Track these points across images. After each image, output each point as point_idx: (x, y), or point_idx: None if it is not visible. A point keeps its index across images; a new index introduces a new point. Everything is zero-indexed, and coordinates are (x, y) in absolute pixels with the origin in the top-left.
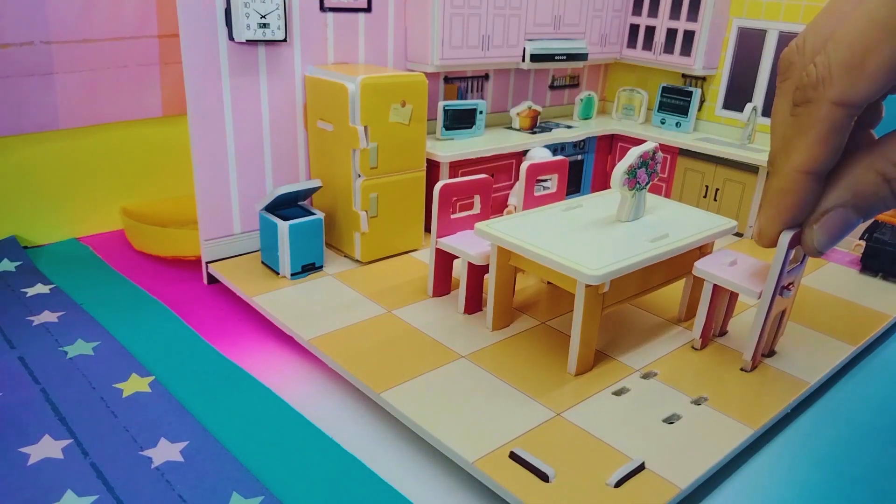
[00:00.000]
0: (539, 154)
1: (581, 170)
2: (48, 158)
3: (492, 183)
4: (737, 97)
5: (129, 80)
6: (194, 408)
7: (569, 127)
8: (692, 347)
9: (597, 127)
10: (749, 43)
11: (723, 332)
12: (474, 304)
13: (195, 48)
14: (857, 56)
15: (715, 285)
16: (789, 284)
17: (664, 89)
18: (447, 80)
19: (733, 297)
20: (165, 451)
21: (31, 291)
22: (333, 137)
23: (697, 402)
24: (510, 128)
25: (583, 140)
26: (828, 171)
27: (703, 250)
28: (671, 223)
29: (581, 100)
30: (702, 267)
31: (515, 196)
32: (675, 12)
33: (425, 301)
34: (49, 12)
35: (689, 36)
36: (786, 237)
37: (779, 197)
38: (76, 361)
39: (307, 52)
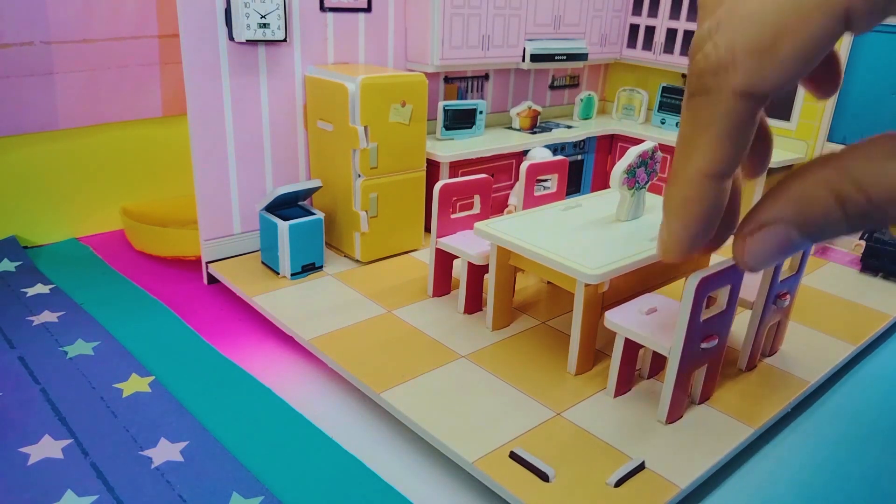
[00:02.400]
0: (539, 154)
1: (581, 170)
2: (48, 158)
3: (492, 183)
4: None
5: (129, 80)
6: (194, 408)
7: (569, 127)
8: None
9: (597, 127)
10: None
11: None
12: (474, 304)
13: (195, 48)
14: (767, 37)
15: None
16: (784, 294)
17: (664, 89)
18: (447, 80)
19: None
20: (165, 451)
21: (31, 291)
22: (333, 137)
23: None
24: (510, 128)
25: (583, 140)
26: (734, 172)
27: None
28: None
29: (581, 100)
30: (613, 319)
31: (515, 196)
32: (675, 12)
33: (425, 301)
34: (49, 12)
35: (688, 36)
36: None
37: (682, 206)
38: (76, 361)
39: (307, 52)
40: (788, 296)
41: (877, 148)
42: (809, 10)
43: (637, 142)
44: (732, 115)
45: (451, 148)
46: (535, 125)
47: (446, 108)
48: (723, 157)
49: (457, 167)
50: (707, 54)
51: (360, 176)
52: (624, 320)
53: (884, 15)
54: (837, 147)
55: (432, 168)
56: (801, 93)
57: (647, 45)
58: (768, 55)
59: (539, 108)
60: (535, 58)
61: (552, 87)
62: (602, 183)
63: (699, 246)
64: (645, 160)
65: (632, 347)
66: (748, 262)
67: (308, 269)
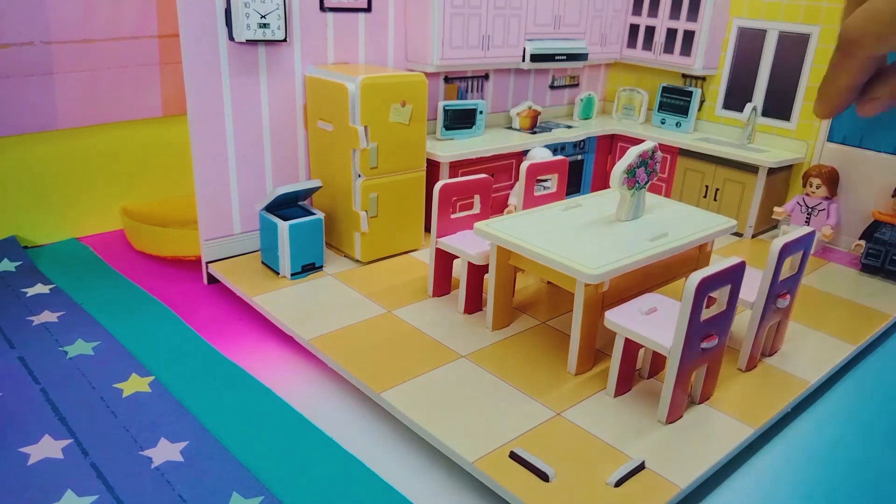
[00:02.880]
0: (539, 154)
1: (581, 170)
2: (48, 158)
3: (492, 183)
4: (737, 97)
5: (129, 80)
6: (194, 408)
7: (569, 127)
8: None
9: (597, 127)
10: (749, 43)
11: None
12: (474, 303)
13: (195, 48)
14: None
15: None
16: (784, 294)
17: (664, 89)
18: (447, 80)
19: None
20: (165, 451)
21: (31, 291)
22: (333, 137)
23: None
24: (510, 128)
25: (583, 140)
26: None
27: (702, 249)
28: (671, 223)
29: (581, 100)
30: (613, 319)
31: (515, 196)
32: (675, 12)
33: (425, 301)
34: (49, 12)
35: (688, 36)
36: (777, 244)
37: (828, 98)
38: (76, 361)
39: (307, 52)
40: (788, 296)
41: None
42: None
43: (637, 142)
44: (863, 64)
45: (451, 148)
46: (535, 125)
47: (446, 108)
48: (857, 83)
49: (457, 167)
50: (852, 23)
51: (360, 176)
52: (624, 320)
53: None
54: (837, 147)
55: (432, 168)
56: (802, 93)
57: (647, 45)
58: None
59: (539, 108)
60: (535, 58)
61: (552, 87)
62: (602, 183)
63: (833, 113)
64: (645, 160)
65: (632, 347)
66: (864, 114)
67: (308, 269)
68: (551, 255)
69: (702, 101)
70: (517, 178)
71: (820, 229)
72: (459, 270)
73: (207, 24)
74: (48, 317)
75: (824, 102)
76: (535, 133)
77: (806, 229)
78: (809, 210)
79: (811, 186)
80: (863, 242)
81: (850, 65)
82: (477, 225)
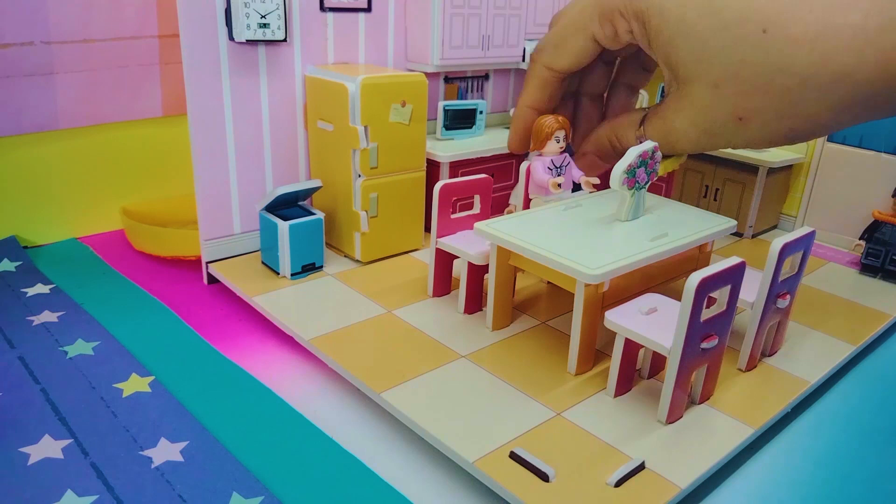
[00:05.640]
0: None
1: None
2: (48, 158)
3: (492, 183)
4: None
5: (129, 80)
6: (194, 408)
7: None
8: None
9: None
10: None
11: None
12: (474, 304)
13: (195, 48)
14: (559, 39)
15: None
16: (784, 294)
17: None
18: (447, 80)
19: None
20: (165, 451)
21: (31, 291)
22: (333, 137)
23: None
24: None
25: None
26: (549, 108)
27: (702, 249)
28: (671, 222)
29: None
30: (613, 319)
31: (516, 196)
32: None
33: (425, 301)
34: (49, 12)
35: None
36: (777, 244)
37: (514, 122)
38: (76, 361)
39: (307, 52)
40: (788, 296)
41: (628, 118)
42: (576, 30)
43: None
44: (540, 76)
45: (451, 148)
46: None
47: (446, 108)
48: (535, 99)
49: (457, 167)
50: (539, 42)
51: (360, 176)
52: (624, 320)
53: (619, 45)
54: (837, 147)
55: (432, 168)
56: None
57: None
58: (560, 48)
59: None
60: None
61: None
62: (602, 183)
63: (524, 145)
64: (645, 160)
65: (632, 347)
66: (585, 172)
67: (308, 269)
68: (551, 255)
69: None
70: (517, 179)
71: (586, 185)
72: (459, 270)
73: (207, 24)
74: (48, 317)
75: (514, 130)
76: None
77: (806, 229)
78: (558, 168)
79: (558, 142)
80: (863, 242)
81: (534, 78)
82: (477, 225)
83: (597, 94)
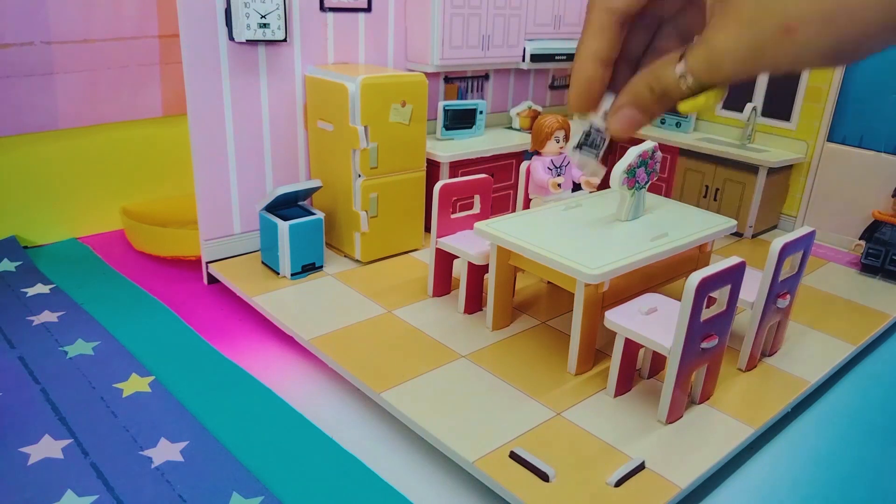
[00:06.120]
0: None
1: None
2: (48, 158)
3: (492, 183)
4: (737, 97)
5: (129, 80)
6: (194, 408)
7: None
8: None
9: None
10: None
11: None
12: (474, 303)
13: (195, 48)
14: None
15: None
16: (784, 294)
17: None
18: (447, 80)
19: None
20: (165, 451)
21: (31, 291)
22: (333, 137)
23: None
24: (510, 128)
25: None
26: (612, 59)
27: (702, 249)
28: (671, 222)
29: None
30: (613, 319)
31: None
32: None
33: (425, 301)
34: (49, 12)
35: None
36: (777, 244)
37: (575, 76)
38: (76, 361)
39: (307, 52)
40: (788, 296)
41: (669, 57)
42: None
43: (637, 142)
44: (598, 21)
45: (451, 148)
46: None
47: (446, 108)
48: (597, 48)
49: (457, 167)
50: None
51: (360, 176)
52: (624, 320)
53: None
54: (837, 147)
55: (432, 168)
56: (802, 93)
57: None
58: None
59: (539, 108)
60: (535, 58)
61: (552, 87)
62: (602, 183)
63: (586, 103)
64: (645, 160)
65: (632, 347)
66: (614, 131)
67: (308, 269)
68: (551, 255)
69: None
70: (517, 179)
71: (586, 185)
72: (459, 270)
73: (207, 24)
74: (48, 317)
75: (574, 85)
76: None
77: (806, 229)
78: (558, 168)
79: (558, 142)
80: (863, 242)
81: (592, 25)
82: (477, 225)
83: (635, 58)
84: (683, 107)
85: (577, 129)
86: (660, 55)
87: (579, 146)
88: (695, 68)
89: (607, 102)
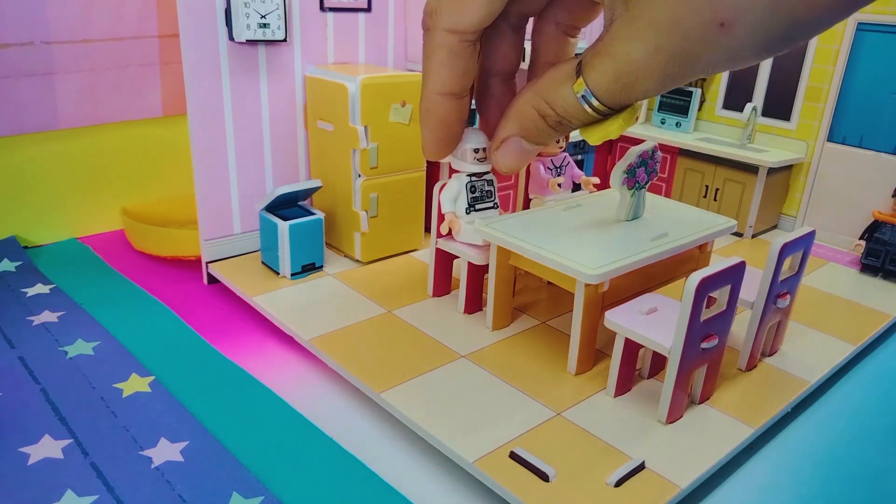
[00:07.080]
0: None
1: (581, 170)
2: (48, 158)
3: None
4: (736, 97)
5: (129, 80)
6: (194, 408)
7: None
8: None
9: None
10: None
11: None
12: (474, 304)
13: (195, 48)
14: None
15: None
16: (784, 294)
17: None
18: None
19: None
20: (165, 451)
21: (31, 291)
22: (333, 137)
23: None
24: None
25: (582, 140)
26: (466, 88)
27: (702, 249)
28: (671, 222)
29: None
30: (613, 319)
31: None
32: None
33: (425, 301)
34: (49, 12)
35: None
36: (777, 244)
37: (425, 117)
38: (76, 361)
39: (307, 52)
40: (788, 296)
41: (558, 72)
42: None
43: (637, 142)
44: (444, 47)
45: None
46: None
47: None
48: (445, 80)
49: None
50: (427, 2)
51: (360, 176)
52: (624, 320)
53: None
54: (838, 147)
55: (432, 168)
56: (802, 93)
57: None
58: (460, 3)
59: None
60: None
61: None
62: (602, 183)
63: (446, 147)
64: (645, 160)
65: (632, 347)
66: (503, 169)
67: (308, 269)
68: (551, 256)
69: (702, 101)
70: (517, 178)
71: (586, 185)
72: (459, 270)
73: (207, 24)
74: (48, 317)
75: (426, 129)
76: None
77: (806, 229)
78: (557, 168)
79: (557, 142)
80: (863, 242)
81: (436, 53)
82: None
83: (509, 72)
84: (592, 136)
85: (451, 189)
86: (544, 63)
87: (471, 208)
88: (601, 87)
89: (474, 138)
